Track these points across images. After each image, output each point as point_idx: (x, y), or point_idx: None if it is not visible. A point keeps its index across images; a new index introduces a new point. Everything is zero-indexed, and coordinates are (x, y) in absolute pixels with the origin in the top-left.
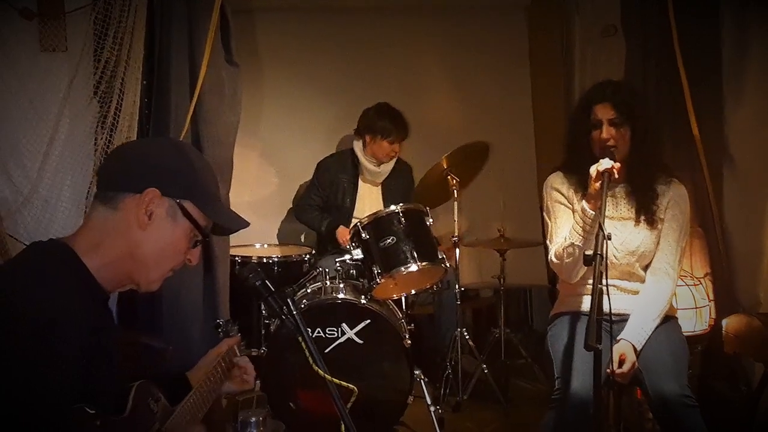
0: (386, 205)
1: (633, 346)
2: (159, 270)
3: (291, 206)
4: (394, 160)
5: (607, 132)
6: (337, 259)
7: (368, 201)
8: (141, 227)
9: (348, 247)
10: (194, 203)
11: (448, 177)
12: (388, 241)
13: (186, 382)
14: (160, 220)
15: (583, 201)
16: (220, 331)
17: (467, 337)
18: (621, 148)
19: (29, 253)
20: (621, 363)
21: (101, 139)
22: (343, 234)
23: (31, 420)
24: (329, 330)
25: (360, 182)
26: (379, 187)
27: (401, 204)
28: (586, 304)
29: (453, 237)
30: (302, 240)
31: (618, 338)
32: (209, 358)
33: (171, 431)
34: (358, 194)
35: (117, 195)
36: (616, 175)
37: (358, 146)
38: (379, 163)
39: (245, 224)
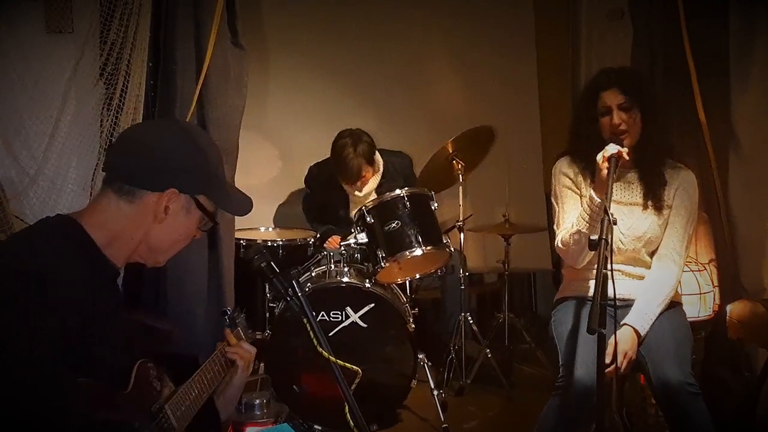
0: None
1: (636, 331)
2: (170, 253)
3: (296, 190)
4: (377, 177)
5: (618, 117)
6: (341, 243)
7: None
8: (158, 221)
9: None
10: (208, 196)
11: (454, 161)
12: (393, 225)
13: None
14: (176, 214)
15: (591, 189)
16: (226, 318)
17: (471, 321)
18: (632, 132)
19: (36, 225)
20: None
21: (107, 120)
22: (332, 242)
23: (19, 374)
24: (333, 313)
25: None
26: (375, 194)
27: (406, 188)
28: (591, 289)
29: (458, 221)
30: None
31: (621, 323)
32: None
33: (175, 410)
34: (351, 204)
35: (135, 191)
36: (626, 157)
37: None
38: (359, 190)
39: (249, 207)
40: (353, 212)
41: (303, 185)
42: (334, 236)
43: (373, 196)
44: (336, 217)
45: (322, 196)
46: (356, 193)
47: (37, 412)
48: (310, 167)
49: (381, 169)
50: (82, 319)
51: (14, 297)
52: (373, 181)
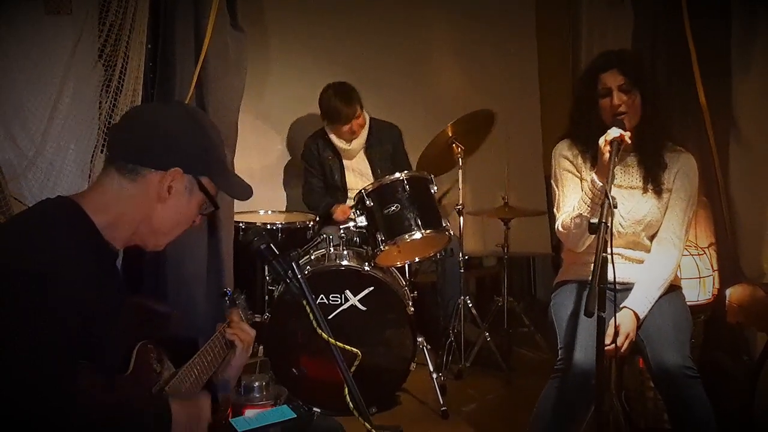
0: (373, 171)
1: (635, 314)
2: (171, 236)
3: (295, 173)
4: (365, 130)
5: (618, 98)
6: (341, 226)
7: (357, 172)
8: (160, 201)
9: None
10: (211, 178)
11: (453, 145)
12: (393, 208)
13: (194, 347)
14: (178, 195)
15: (593, 173)
16: (227, 299)
17: (470, 305)
18: (632, 114)
19: (36, 208)
20: (616, 334)
21: (106, 102)
22: (342, 212)
23: (19, 374)
24: (333, 296)
25: (342, 157)
26: (364, 156)
27: (405, 171)
28: (590, 272)
29: (457, 205)
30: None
31: (621, 306)
32: None
33: (175, 392)
34: (345, 168)
35: (138, 168)
36: (628, 141)
37: (326, 126)
38: (348, 141)
39: (250, 192)
40: (348, 177)
41: (302, 169)
42: (341, 206)
43: (361, 154)
44: (333, 186)
45: (317, 164)
46: (346, 147)
47: (38, 412)
48: (305, 141)
49: (367, 124)
50: (82, 318)
51: (14, 296)
52: (362, 136)
